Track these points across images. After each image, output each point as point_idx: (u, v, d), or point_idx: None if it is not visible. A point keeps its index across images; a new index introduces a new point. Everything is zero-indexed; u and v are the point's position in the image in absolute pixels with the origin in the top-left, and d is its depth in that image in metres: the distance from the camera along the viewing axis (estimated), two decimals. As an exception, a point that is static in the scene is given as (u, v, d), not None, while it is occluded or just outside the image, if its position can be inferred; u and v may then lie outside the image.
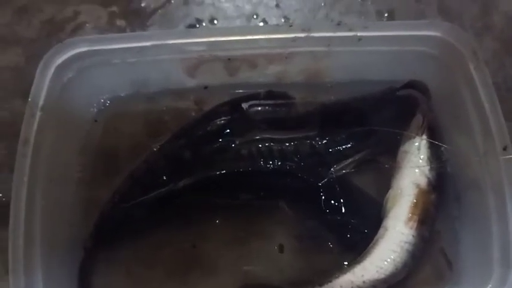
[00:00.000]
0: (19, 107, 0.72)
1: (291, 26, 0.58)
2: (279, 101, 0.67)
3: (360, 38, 0.59)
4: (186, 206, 0.63)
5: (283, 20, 0.77)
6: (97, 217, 0.62)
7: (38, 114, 0.55)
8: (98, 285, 0.61)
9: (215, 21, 0.78)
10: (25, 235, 0.52)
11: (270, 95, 0.67)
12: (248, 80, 0.67)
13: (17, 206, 0.53)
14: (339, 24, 0.58)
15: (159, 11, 0.79)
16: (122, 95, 0.67)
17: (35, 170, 0.55)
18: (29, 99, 0.55)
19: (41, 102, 0.55)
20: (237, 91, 0.67)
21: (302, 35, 0.58)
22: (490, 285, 0.52)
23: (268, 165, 0.62)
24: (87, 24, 0.78)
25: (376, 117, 0.63)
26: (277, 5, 0.79)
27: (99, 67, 0.61)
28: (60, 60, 0.57)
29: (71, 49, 0.58)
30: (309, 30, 0.58)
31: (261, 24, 0.75)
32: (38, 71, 0.56)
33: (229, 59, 0.62)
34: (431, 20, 0.72)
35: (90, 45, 0.58)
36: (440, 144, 0.59)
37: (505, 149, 0.52)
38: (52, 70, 0.57)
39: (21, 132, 0.55)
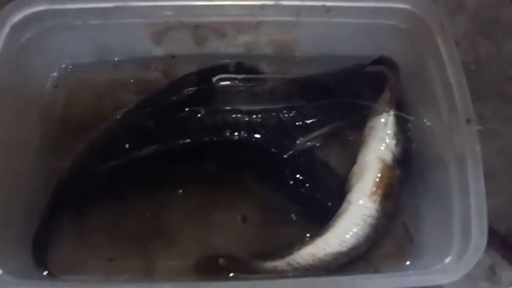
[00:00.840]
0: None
1: (258, -9, 0.57)
2: (249, 75, 0.66)
3: (328, 9, 0.58)
4: (148, 175, 0.61)
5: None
6: (55, 186, 0.60)
7: (-8, 75, 0.53)
8: (56, 255, 0.59)
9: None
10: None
11: (240, 67, 0.66)
12: (217, 51, 0.66)
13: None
14: (307, -8, 0.57)
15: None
16: (85, 61, 0.65)
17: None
18: (-18, 60, 0.53)
19: (-5, 63, 0.53)
20: (205, 62, 0.66)
21: (271, 2, 0.57)
22: (450, 258, 0.52)
23: (233, 137, 0.61)
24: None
25: (345, 93, 0.63)
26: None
27: (59, 29, 0.59)
28: (16, 18, 0.55)
29: (27, 7, 0.56)
30: (277, -3, 0.57)
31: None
32: (-9, 29, 0.54)
33: (196, 26, 0.60)
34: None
35: (49, 3, 0.56)
36: (406, 116, 0.59)
37: (468, 121, 0.52)
38: (7, 28, 0.54)
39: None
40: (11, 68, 0.55)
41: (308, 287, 0.50)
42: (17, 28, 0.56)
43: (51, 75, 0.64)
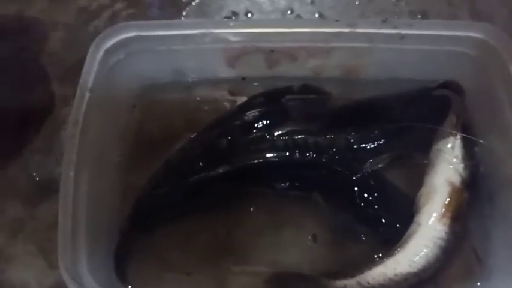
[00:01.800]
0: (55, 91, 0.74)
1: (337, 20, 0.59)
2: (314, 96, 0.68)
3: (403, 36, 0.60)
4: (220, 193, 0.63)
5: (317, 16, 0.78)
6: (133, 202, 0.63)
7: (87, 95, 0.56)
8: (133, 269, 0.61)
9: (249, 15, 0.79)
10: (73, 216, 0.52)
11: (305, 89, 0.68)
12: (285, 74, 0.68)
13: (66, 186, 0.53)
14: (384, 21, 0.59)
15: (195, 1, 0.80)
16: (161, 82, 0.68)
17: (82, 151, 0.55)
18: (80, 81, 0.56)
19: (90, 84, 0.56)
20: (273, 84, 0.68)
21: (347, 30, 0.59)
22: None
23: (303, 157, 0.63)
24: (123, 12, 0.80)
25: (410, 116, 0.64)
26: (312, 2, 0.80)
27: (144, 53, 0.62)
28: (109, 43, 0.58)
29: (120, 33, 0.59)
30: (354, 25, 0.59)
31: (295, 20, 0.76)
32: (89, 52, 0.57)
33: (272, 51, 0.63)
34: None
35: (139, 30, 0.59)
36: (475, 139, 0.60)
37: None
38: (101, 53, 0.58)
39: (71, 113, 0.55)
40: (101, 89, 0.58)
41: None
42: (109, 52, 0.59)
43: (132, 95, 0.67)
